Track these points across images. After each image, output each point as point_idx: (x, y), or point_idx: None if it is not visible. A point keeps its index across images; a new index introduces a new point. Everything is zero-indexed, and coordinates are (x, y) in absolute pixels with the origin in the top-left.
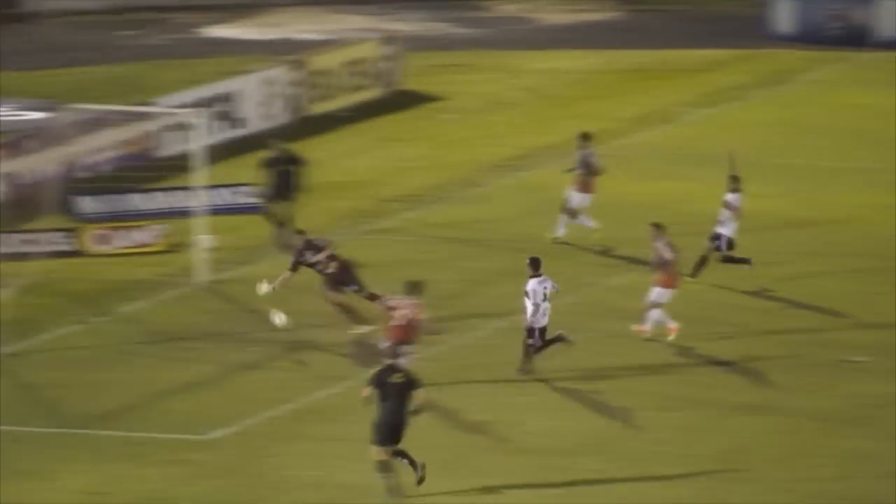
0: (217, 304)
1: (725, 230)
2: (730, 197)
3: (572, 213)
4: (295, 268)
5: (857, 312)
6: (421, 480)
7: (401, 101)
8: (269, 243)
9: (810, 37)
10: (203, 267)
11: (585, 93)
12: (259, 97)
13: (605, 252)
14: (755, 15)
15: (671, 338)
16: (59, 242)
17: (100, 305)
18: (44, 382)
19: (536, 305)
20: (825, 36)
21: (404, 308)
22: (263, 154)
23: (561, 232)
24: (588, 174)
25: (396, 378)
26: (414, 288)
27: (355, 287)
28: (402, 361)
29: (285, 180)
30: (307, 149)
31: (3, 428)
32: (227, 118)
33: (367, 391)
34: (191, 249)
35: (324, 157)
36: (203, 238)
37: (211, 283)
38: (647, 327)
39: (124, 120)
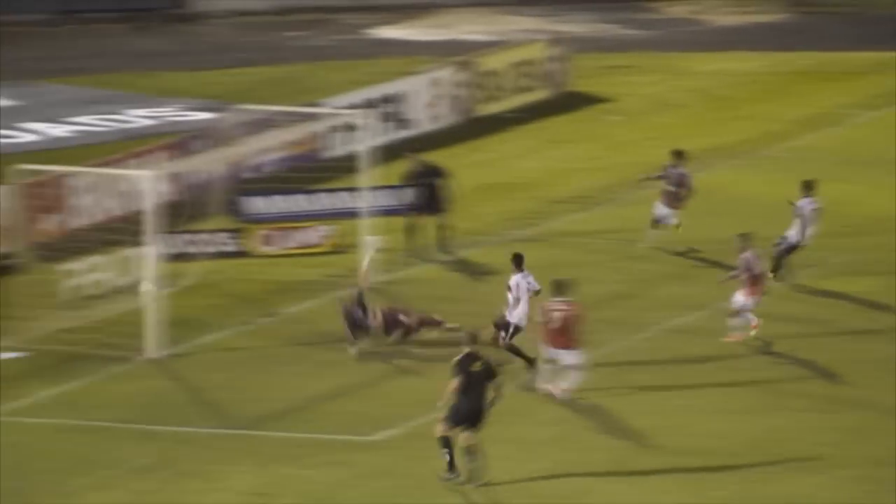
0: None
1: (791, 233)
2: (800, 202)
3: (655, 224)
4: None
5: None
6: (454, 473)
7: (568, 102)
8: (408, 254)
9: None
10: (370, 268)
11: (752, 94)
12: (426, 98)
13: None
14: None
15: (753, 333)
16: (225, 243)
17: (265, 306)
18: (209, 383)
19: (517, 300)
20: None
21: (557, 309)
22: (404, 167)
23: (648, 242)
24: (678, 190)
25: (477, 366)
26: (560, 287)
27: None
28: (564, 364)
29: (429, 194)
30: (474, 150)
31: (169, 429)
32: (395, 119)
33: (455, 382)
34: (357, 250)
35: (491, 158)
36: (371, 239)
37: (377, 283)
38: (737, 335)
39: (291, 121)
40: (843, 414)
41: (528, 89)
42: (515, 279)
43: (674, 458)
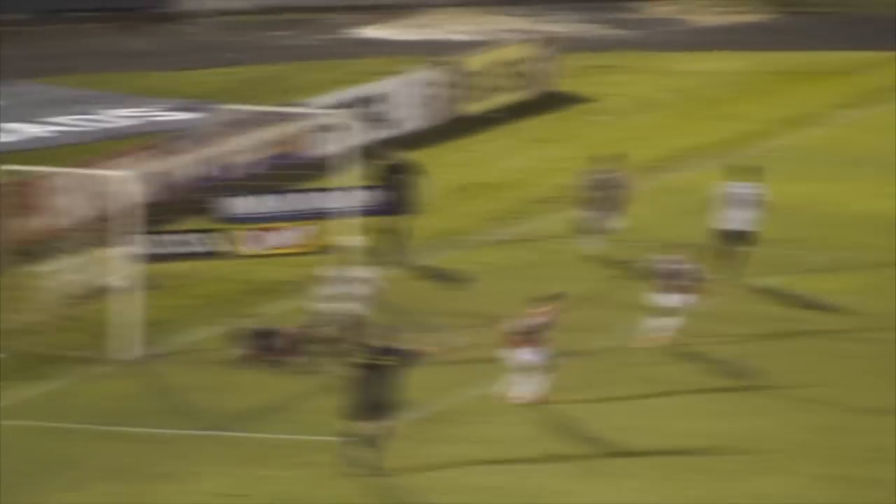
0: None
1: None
2: (736, 188)
3: (589, 231)
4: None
5: None
6: (358, 463)
7: (552, 102)
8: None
9: None
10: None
11: (735, 94)
12: (411, 98)
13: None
14: None
15: (669, 335)
16: (205, 244)
17: (246, 306)
18: (184, 384)
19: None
20: None
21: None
22: (376, 163)
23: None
24: (614, 193)
25: (387, 359)
26: (548, 300)
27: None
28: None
29: (401, 192)
30: (458, 150)
31: (142, 430)
32: (378, 119)
33: (358, 373)
34: (340, 250)
35: (476, 157)
36: (352, 239)
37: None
38: (657, 335)
39: (274, 121)
40: (815, 413)
41: (512, 89)
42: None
43: (644, 459)
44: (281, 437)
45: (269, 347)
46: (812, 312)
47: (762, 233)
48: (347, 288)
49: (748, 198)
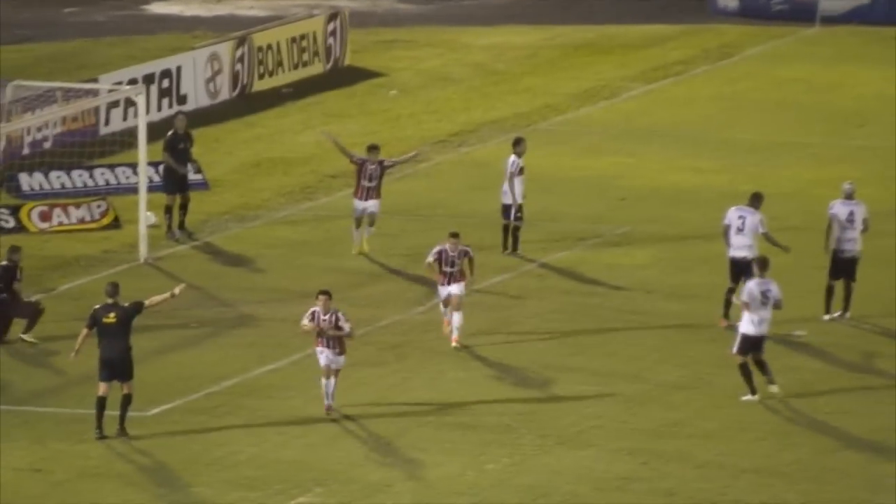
0: (156, 281)
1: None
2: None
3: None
4: None
5: (798, 286)
6: (100, 436)
7: (345, 77)
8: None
9: (755, 13)
10: (144, 243)
11: (529, 69)
12: (203, 74)
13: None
14: None
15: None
16: (0, 219)
17: (41, 282)
18: None
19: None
20: (771, 12)
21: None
22: (166, 140)
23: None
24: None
25: (111, 317)
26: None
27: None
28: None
29: (186, 168)
30: (251, 125)
31: None
32: (171, 95)
33: (84, 331)
34: (134, 226)
35: (268, 133)
36: (146, 215)
37: (153, 259)
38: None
39: (69, 97)
40: (617, 386)
41: (305, 64)
42: (749, 285)
43: (447, 433)
44: (82, 411)
45: None
46: (606, 288)
47: (559, 208)
48: None
49: (513, 169)
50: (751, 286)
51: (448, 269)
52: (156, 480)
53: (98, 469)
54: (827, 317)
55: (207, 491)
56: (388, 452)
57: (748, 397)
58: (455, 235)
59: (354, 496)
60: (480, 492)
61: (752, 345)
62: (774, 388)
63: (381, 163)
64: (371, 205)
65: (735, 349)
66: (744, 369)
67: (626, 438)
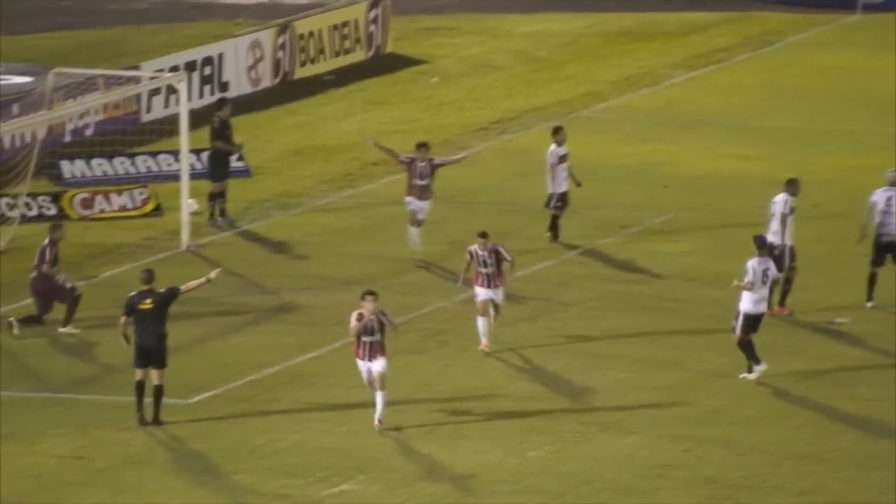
0: (198, 269)
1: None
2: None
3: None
4: None
5: (839, 273)
6: (141, 420)
7: (387, 64)
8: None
9: (796, 0)
10: (186, 231)
11: (571, 56)
12: (245, 61)
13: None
14: None
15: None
16: (44, 207)
17: (83, 269)
18: (25, 348)
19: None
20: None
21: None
22: (209, 127)
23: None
24: (429, 183)
25: (147, 304)
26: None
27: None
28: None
29: (229, 156)
30: (292, 112)
31: None
32: (213, 82)
33: (123, 319)
34: (176, 214)
35: (309, 120)
36: (188, 202)
37: (195, 247)
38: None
39: (110, 84)
40: (659, 374)
41: (347, 52)
42: (751, 264)
43: (489, 420)
44: (123, 398)
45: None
46: (648, 275)
47: (601, 195)
48: None
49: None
50: (753, 265)
51: (483, 270)
52: (197, 468)
53: (140, 456)
54: (869, 304)
55: (249, 478)
56: (429, 440)
57: (760, 367)
58: (483, 235)
59: (396, 484)
60: (522, 479)
61: (754, 322)
62: (752, 376)
63: (430, 160)
64: (426, 205)
65: (739, 329)
66: (747, 345)
67: (667, 426)
